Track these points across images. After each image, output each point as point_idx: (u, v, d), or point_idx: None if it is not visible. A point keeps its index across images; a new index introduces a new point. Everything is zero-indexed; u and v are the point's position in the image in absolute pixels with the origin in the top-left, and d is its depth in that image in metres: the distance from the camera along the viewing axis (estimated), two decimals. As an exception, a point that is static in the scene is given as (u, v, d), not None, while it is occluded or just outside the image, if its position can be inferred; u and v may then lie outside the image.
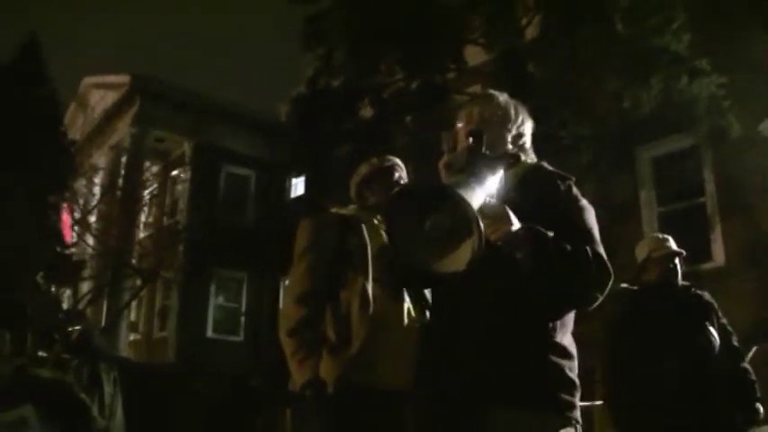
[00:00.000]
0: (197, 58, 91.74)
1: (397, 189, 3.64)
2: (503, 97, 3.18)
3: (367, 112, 16.80)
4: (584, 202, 2.96)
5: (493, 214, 2.68)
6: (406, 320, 3.71)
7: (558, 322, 2.81)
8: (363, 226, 3.88)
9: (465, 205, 2.49)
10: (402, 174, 4.18)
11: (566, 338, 2.84)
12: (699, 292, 5.45)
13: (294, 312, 3.80)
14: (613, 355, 5.36)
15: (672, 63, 11.76)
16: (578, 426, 2.78)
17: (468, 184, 2.65)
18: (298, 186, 27.81)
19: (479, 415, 2.72)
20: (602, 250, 2.82)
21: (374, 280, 3.72)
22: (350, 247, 3.83)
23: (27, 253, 17.38)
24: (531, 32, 13.93)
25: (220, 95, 29.53)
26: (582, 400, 4.38)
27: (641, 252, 5.63)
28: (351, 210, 4.08)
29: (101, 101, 29.08)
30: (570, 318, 2.90)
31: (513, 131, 3.09)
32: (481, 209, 2.60)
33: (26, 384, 3.21)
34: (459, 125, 3.14)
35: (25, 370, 3.34)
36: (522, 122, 3.14)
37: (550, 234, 2.69)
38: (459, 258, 2.57)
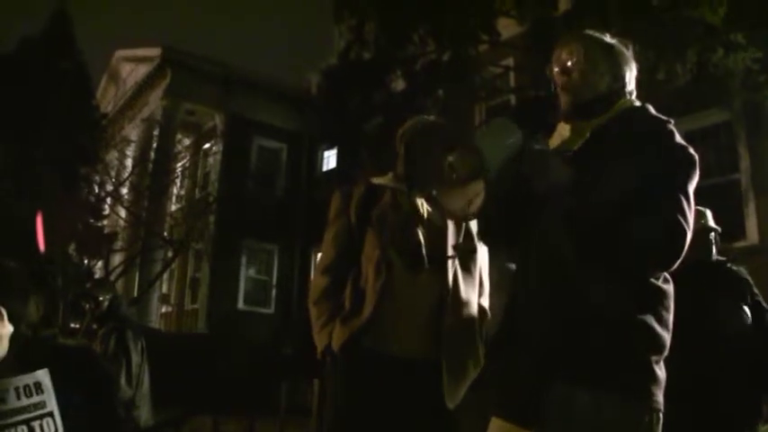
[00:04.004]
0: (228, 29, 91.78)
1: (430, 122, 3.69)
2: (599, 38, 3.02)
3: (398, 84, 16.74)
4: (678, 149, 2.73)
5: (533, 162, 2.63)
6: (424, 291, 3.70)
7: (635, 294, 2.63)
8: (391, 194, 3.87)
9: (484, 154, 2.49)
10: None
11: (647, 316, 2.63)
12: (734, 268, 5.32)
13: (319, 282, 3.89)
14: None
15: (706, 35, 11.60)
16: (650, 414, 2.62)
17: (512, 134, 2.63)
18: (330, 159, 27.81)
19: (542, 387, 2.63)
20: (681, 210, 2.58)
21: (394, 249, 3.69)
22: (372, 216, 3.81)
23: (58, 225, 17.48)
24: (563, 4, 13.80)
25: (252, 67, 29.54)
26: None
27: None
28: (386, 179, 4.03)
29: (132, 73, 29.19)
30: (655, 291, 2.70)
31: (609, 73, 2.91)
32: (523, 157, 2.60)
33: (47, 350, 3.20)
34: (553, 69, 2.98)
35: (53, 339, 3.33)
36: (620, 65, 2.95)
37: (618, 187, 2.55)
38: (460, 201, 2.58)
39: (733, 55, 11.59)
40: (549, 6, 13.78)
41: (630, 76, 2.97)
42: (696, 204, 2.70)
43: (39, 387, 3.03)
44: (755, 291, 5.21)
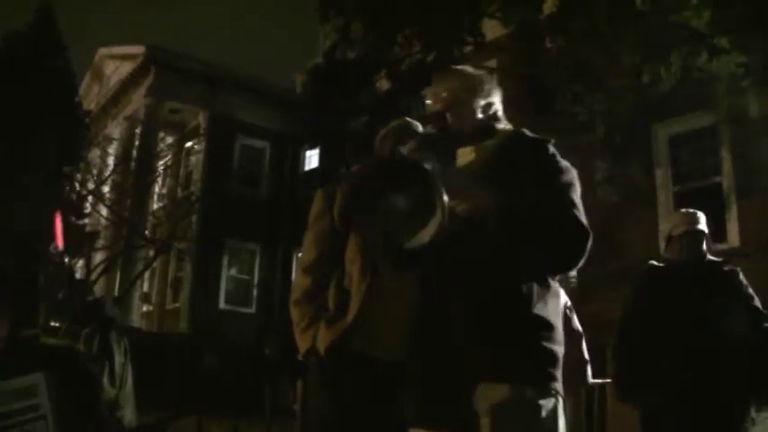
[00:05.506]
0: (212, 28, 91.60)
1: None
2: (468, 71, 3.31)
3: (383, 84, 16.74)
4: (563, 164, 3.01)
5: (458, 187, 2.77)
6: (410, 292, 3.66)
7: (536, 293, 2.85)
8: None
9: (430, 180, 2.58)
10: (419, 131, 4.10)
11: (546, 309, 2.87)
12: (727, 268, 5.33)
13: (301, 282, 3.85)
14: (625, 331, 5.32)
15: (691, 39, 11.62)
16: (558, 397, 2.82)
17: (431, 163, 2.74)
18: (312, 159, 27.83)
19: (459, 389, 2.82)
20: (579, 212, 2.89)
21: (378, 251, 3.69)
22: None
23: (41, 224, 17.40)
24: (548, 7, 13.82)
25: (236, 67, 29.42)
26: (594, 377, 4.34)
27: (665, 228, 5.56)
28: None
29: (115, 71, 29.08)
30: (550, 288, 2.94)
31: (482, 102, 3.18)
32: (446, 182, 2.70)
33: (32, 351, 3.19)
34: (428, 103, 3.26)
35: (35, 339, 3.32)
36: (490, 92, 3.23)
37: (523, 199, 2.77)
38: (424, 233, 2.64)
39: (717, 59, 11.62)
40: (533, 9, 13.78)
41: (499, 102, 3.25)
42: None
43: (34, 390, 3.03)
44: (750, 291, 5.22)
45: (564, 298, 4.90)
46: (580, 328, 5.30)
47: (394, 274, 3.65)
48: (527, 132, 3.15)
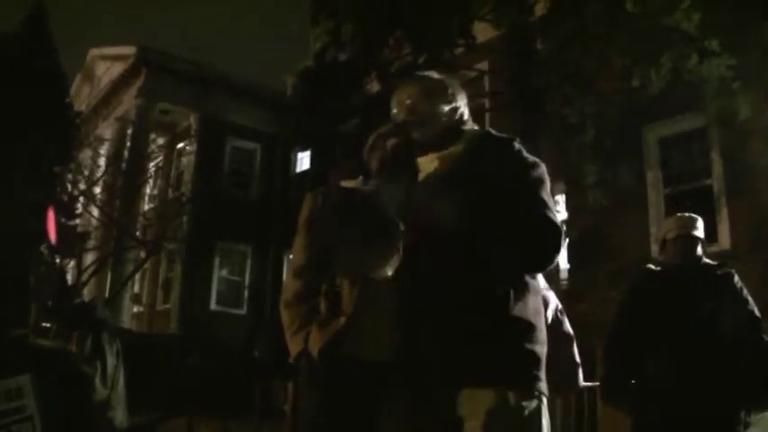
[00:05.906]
0: (203, 30, 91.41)
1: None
2: (431, 76, 3.36)
3: (374, 86, 16.72)
4: (531, 159, 3.05)
5: (422, 199, 2.86)
6: (398, 295, 3.67)
7: (513, 294, 2.87)
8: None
9: (389, 210, 2.71)
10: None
11: (525, 310, 2.90)
12: (721, 272, 5.30)
13: (291, 285, 3.81)
14: (616, 334, 5.33)
15: (681, 42, 11.63)
16: (543, 397, 2.85)
17: (393, 180, 2.89)
18: (303, 160, 27.83)
19: (443, 394, 2.88)
20: (550, 209, 2.93)
21: None
22: None
23: (32, 224, 17.36)
24: (539, 9, 13.83)
25: (227, 68, 29.48)
26: (584, 379, 4.35)
27: (660, 232, 5.59)
28: (357, 183, 4.02)
29: (107, 72, 29.06)
30: (529, 288, 2.96)
31: (447, 106, 3.21)
32: (412, 195, 2.83)
33: (25, 353, 3.18)
34: (393, 111, 3.28)
35: (26, 339, 3.32)
36: (455, 96, 3.26)
37: (493, 200, 2.81)
38: (386, 264, 2.70)
39: (707, 62, 11.64)
40: (524, 11, 13.79)
41: (464, 104, 3.30)
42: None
43: (19, 392, 3.03)
44: (745, 295, 5.19)
45: (555, 301, 4.91)
46: (571, 331, 5.32)
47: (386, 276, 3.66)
48: (493, 132, 3.21)
